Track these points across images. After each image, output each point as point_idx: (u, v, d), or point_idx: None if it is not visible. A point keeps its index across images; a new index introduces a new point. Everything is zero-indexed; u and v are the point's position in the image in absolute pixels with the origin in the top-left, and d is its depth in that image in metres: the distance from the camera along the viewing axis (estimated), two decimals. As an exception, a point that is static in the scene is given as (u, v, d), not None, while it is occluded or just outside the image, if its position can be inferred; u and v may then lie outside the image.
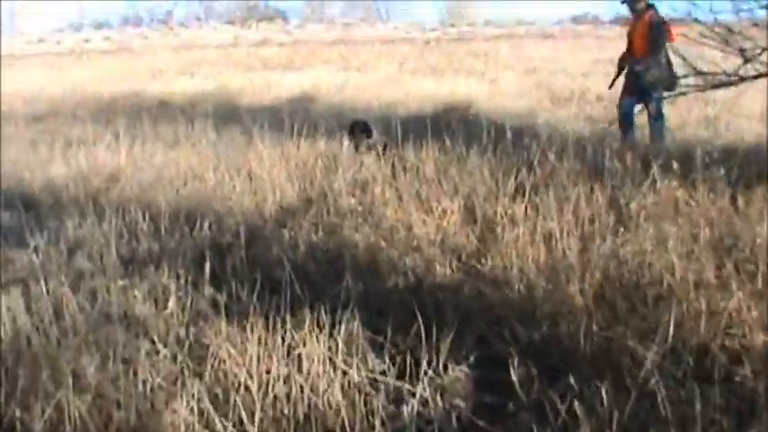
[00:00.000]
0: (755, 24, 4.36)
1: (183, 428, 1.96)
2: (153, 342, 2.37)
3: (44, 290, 2.70)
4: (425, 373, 2.16)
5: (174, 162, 5.07)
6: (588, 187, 3.62)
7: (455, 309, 2.61)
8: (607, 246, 2.97)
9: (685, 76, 4.87)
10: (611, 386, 1.99)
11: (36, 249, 3.31)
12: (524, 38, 29.97)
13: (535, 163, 4.14)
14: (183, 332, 2.46)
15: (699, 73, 4.55)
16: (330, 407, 2.07)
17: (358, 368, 2.21)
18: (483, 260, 3.04)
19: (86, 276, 2.96)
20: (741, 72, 4.38)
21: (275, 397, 2.08)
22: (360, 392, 2.12)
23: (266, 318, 2.39)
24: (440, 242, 3.29)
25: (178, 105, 9.46)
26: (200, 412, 2.00)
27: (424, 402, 2.09)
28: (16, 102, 10.97)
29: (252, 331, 2.28)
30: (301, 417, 2.05)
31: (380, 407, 2.05)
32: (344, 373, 2.19)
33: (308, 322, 2.32)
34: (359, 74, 15.02)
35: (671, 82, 5.72)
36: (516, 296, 2.73)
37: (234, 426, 1.98)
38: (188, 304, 2.65)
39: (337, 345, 2.27)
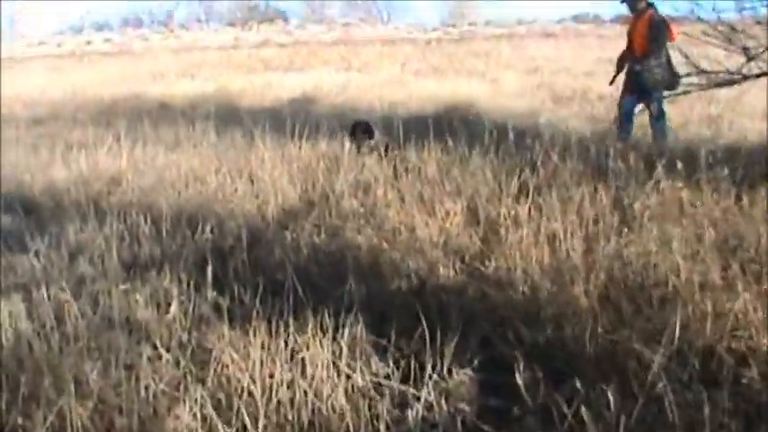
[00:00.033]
0: (759, 23, 4.34)
1: (185, 435, 1.95)
2: (155, 347, 2.35)
3: (45, 295, 2.69)
4: (430, 376, 2.14)
5: (175, 165, 5.05)
6: (592, 187, 3.61)
7: (459, 311, 2.59)
8: (611, 247, 2.95)
9: (688, 75, 4.87)
10: (618, 389, 1.97)
11: (37, 254, 3.30)
12: (525, 37, 29.90)
13: (538, 163, 4.12)
14: (185, 337, 2.45)
15: (702, 71, 4.55)
16: (334, 412, 2.05)
17: (362, 372, 2.20)
18: (486, 262, 3.02)
19: (88, 281, 2.95)
20: (744, 70, 4.37)
21: (279, 402, 2.07)
22: (364, 397, 2.11)
23: (269, 322, 2.38)
24: (443, 244, 3.27)
25: (179, 107, 9.45)
26: (203, 418, 1.98)
27: (429, 406, 2.08)
28: (16, 105, 10.97)
29: (255, 336, 2.27)
30: (305, 422, 2.03)
31: (385, 411, 2.03)
32: (348, 377, 2.17)
33: (311, 326, 2.30)
34: (360, 74, 15.01)
35: (671, 81, 5.72)
36: (520, 298, 2.71)
37: (237, 432, 1.97)
38: (190, 309, 2.63)
39: (341, 349, 2.25)
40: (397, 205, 3.75)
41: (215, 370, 2.20)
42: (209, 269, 2.82)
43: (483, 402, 2.15)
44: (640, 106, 6.02)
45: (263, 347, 2.23)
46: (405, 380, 2.21)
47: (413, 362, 2.25)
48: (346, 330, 2.32)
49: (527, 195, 3.59)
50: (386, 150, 5.04)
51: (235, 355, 2.21)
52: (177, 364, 2.28)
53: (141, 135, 6.44)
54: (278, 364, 2.17)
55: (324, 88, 11.73)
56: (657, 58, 5.77)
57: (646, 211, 3.35)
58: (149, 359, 2.26)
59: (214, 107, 8.66)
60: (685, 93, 5.47)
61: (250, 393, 2.08)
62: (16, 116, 9.28)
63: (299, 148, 5.23)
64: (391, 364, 2.26)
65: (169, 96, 11.45)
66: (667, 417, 1.91)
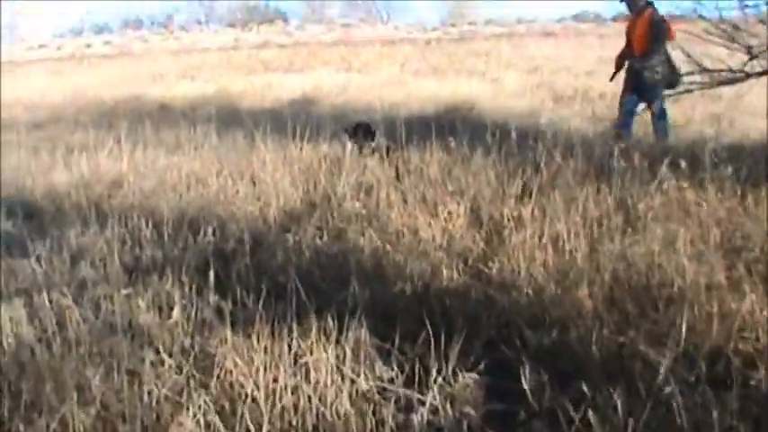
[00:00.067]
0: (761, 21, 4.33)
1: (189, 441, 1.93)
2: (158, 352, 2.34)
3: (47, 300, 2.67)
4: (435, 380, 2.12)
5: (176, 167, 5.04)
6: (595, 187, 3.59)
7: (463, 314, 2.57)
8: (616, 247, 2.93)
9: (690, 73, 4.85)
10: (624, 392, 1.95)
11: (38, 258, 3.28)
12: (525, 36, 29.87)
13: (541, 164, 4.09)
14: (188, 342, 2.43)
15: (704, 70, 4.54)
16: (339, 417, 2.04)
17: (366, 377, 2.18)
18: (490, 264, 3.00)
19: (89, 285, 2.93)
20: (747, 68, 4.36)
21: (283, 408, 2.05)
22: (369, 401, 2.10)
23: (272, 326, 2.36)
24: (446, 246, 3.25)
25: (179, 109, 9.46)
26: (207, 425, 1.97)
27: (434, 411, 2.06)
28: (17, 109, 10.98)
29: (258, 340, 2.26)
30: (310, 428, 2.02)
31: (390, 416, 2.01)
32: (353, 381, 2.16)
33: (314, 330, 2.29)
34: (360, 75, 15.01)
35: (672, 79, 5.71)
36: (525, 300, 2.69)
37: (241, 438, 1.95)
38: (193, 313, 2.61)
39: (345, 353, 2.23)
40: (399, 207, 3.73)
41: (218, 375, 2.19)
42: (212, 273, 2.80)
43: (489, 406, 2.13)
44: (642, 105, 6.02)
45: (266, 352, 2.21)
46: (409, 384, 2.19)
47: (417, 366, 2.22)
48: (350, 334, 2.30)
49: (530, 196, 3.58)
50: (387, 151, 5.02)
51: (238, 361, 2.19)
52: (180, 369, 2.26)
53: (142, 137, 6.42)
54: (281, 368, 2.16)
55: (324, 89, 11.72)
56: (657, 56, 5.77)
57: (650, 211, 3.33)
58: (152, 364, 2.25)
59: (214, 108, 8.66)
60: (688, 91, 5.46)
61: (254, 399, 2.07)
62: (17, 120, 9.27)
63: (301, 149, 5.20)
64: (395, 368, 2.24)
65: (169, 98, 11.46)
66: (675, 419, 1.89)
